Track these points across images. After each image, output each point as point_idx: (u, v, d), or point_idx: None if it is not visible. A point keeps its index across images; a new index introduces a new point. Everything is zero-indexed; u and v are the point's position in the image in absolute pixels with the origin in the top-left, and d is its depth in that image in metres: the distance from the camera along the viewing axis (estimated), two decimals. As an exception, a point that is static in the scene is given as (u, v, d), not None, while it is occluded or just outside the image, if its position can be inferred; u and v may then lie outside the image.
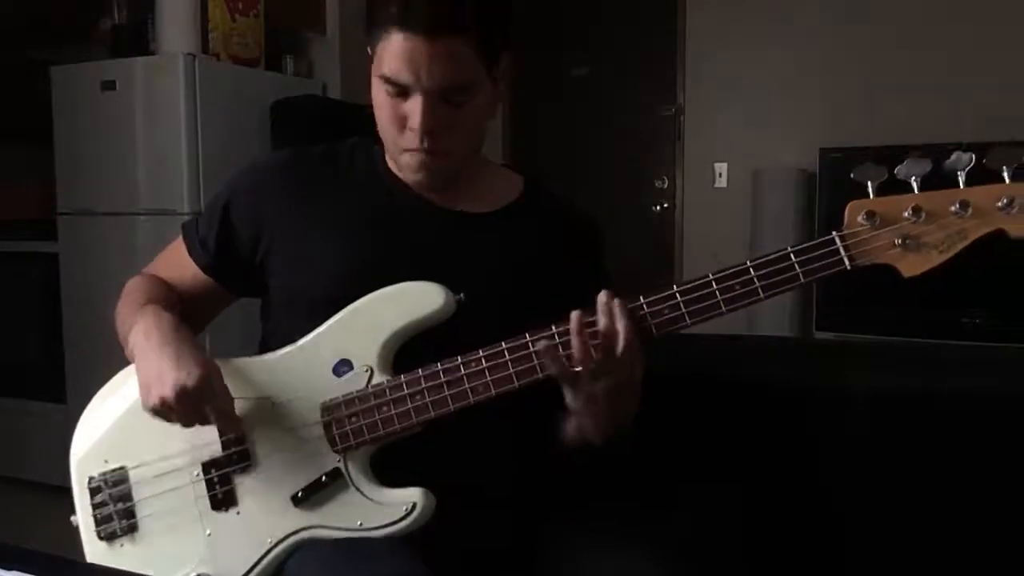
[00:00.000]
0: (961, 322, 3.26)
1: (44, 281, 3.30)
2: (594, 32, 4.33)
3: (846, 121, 3.72)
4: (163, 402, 1.00)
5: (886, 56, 3.69)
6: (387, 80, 1.04)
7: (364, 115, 1.16)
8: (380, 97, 1.07)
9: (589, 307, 0.99)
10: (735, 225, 3.89)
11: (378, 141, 1.16)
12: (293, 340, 1.10)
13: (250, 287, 1.20)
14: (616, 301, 0.98)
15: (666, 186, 4.24)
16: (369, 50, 1.10)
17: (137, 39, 3.23)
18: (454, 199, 1.15)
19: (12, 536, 1.07)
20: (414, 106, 1.04)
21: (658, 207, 4.26)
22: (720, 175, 4.09)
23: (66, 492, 1.17)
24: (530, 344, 1.00)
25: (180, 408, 1.00)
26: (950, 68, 3.57)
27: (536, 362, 1.00)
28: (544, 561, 1.10)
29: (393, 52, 1.02)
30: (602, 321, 0.98)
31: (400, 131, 1.07)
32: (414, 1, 1.00)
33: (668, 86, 4.17)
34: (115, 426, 1.14)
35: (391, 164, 1.16)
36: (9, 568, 0.81)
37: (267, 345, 1.16)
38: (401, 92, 1.05)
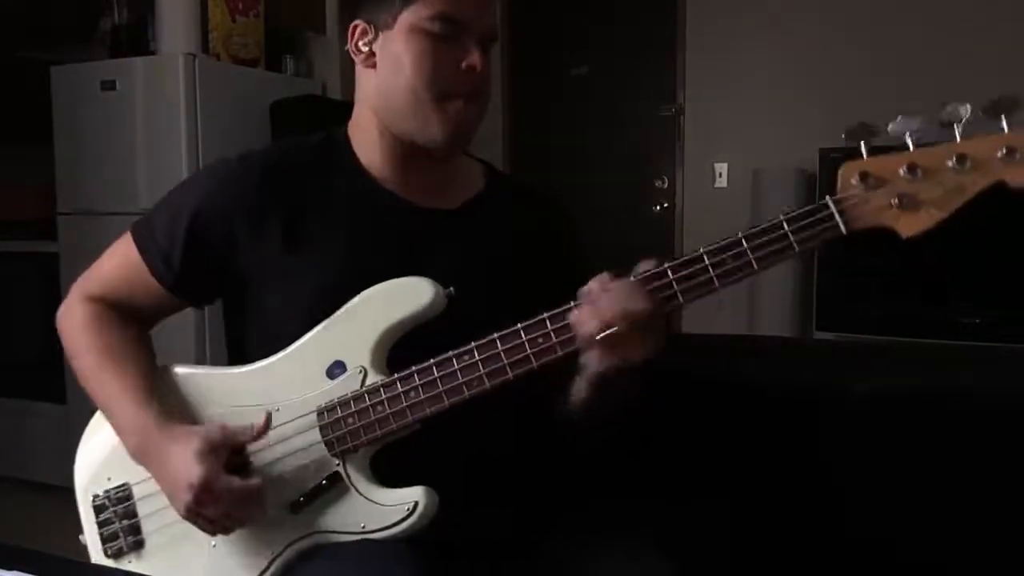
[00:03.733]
0: (961, 322, 3.26)
1: (44, 281, 3.30)
2: (594, 32, 4.32)
3: (846, 121, 3.69)
4: (188, 511, 1.01)
5: (886, 56, 3.69)
6: (444, 19, 1.05)
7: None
8: (423, 45, 1.06)
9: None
10: (735, 225, 3.76)
11: (345, 135, 1.16)
12: (275, 351, 1.09)
13: (214, 298, 1.18)
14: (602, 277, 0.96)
15: (666, 186, 4.24)
16: (364, 19, 1.09)
17: (137, 39, 3.23)
18: (424, 195, 1.14)
19: (12, 536, 1.07)
20: (467, 47, 1.06)
21: (658, 207, 4.26)
22: (720, 175, 4.09)
23: (66, 492, 1.17)
24: (522, 333, 0.98)
25: (206, 507, 1.00)
26: (950, 68, 3.57)
27: (529, 351, 0.98)
28: (545, 557, 1.10)
29: None
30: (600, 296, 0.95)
31: (447, 76, 1.07)
32: None
33: (668, 86, 4.17)
34: (116, 443, 1.12)
35: (367, 156, 1.14)
36: (9, 568, 0.81)
37: (248, 354, 1.14)
38: (451, 35, 1.06)
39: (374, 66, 1.11)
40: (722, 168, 4.08)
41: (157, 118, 3.04)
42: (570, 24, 4.38)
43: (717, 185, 4.10)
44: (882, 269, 3.30)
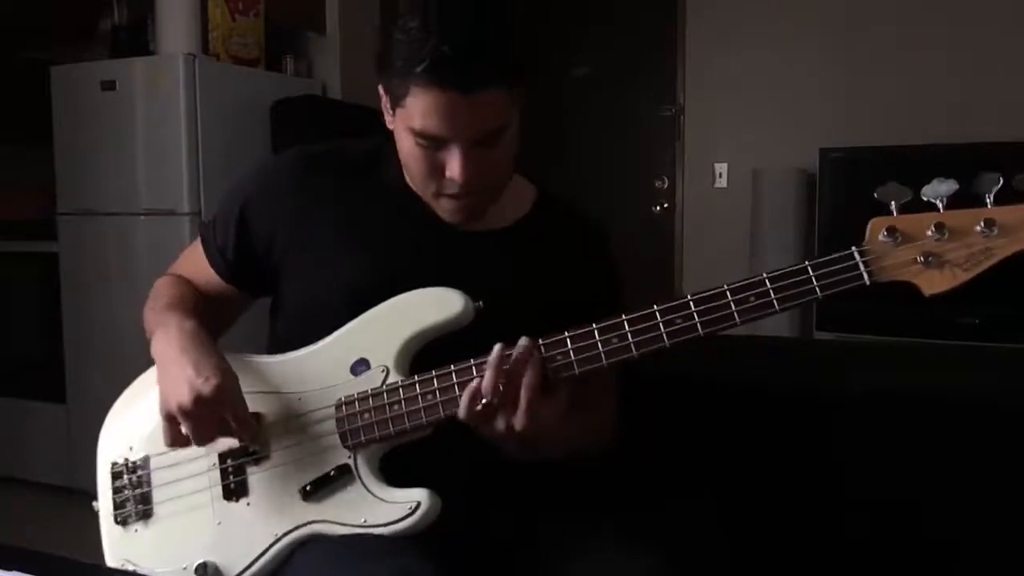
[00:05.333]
0: (961, 322, 3.26)
1: (44, 281, 3.30)
2: (594, 32, 4.32)
3: (846, 121, 3.72)
4: (180, 408, 1.01)
5: (886, 56, 3.69)
6: (421, 135, 1.03)
7: (364, 115, 1.16)
8: (410, 146, 1.06)
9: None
10: (735, 225, 3.89)
11: (393, 148, 1.16)
12: (303, 342, 1.12)
13: (268, 288, 1.22)
14: (520, 350, 0.99)
15: (666, 186, 4.24)
16: (383, 91, 1.08)
17: (137, 39, 3.23)
18: (477, 216, 1.15)
19: (12, 536, 1.07)
20: (451, 157, 1.04)
21: (658, 207, 4.26)
22: (720, 175, 4.09)
23: (66, 492, 1.18)
24: (541, 349, 1.00)
25: (197, 413, 1.01)
26: (950, 68, 3.57)
27: (547, 368, 1.00)
28: (546, 557, 1.10)
29: (426, 108, 1.00)
30: (489, 374, 0.98)
31: (437, 179, 1.07)
32: (447, 59, 0.98)
33: (668, 86, 4.17)
34: (144, 415, 1.16)
35: (412, 186, 1.16)
36: (9, 568, 0.81)
37: (277, 345, 1.17)
38: (435, 144, 1.04)
39: (393, 129, 1.12)
40: (722, 168, 4.08)
41: (157, 118, 3.04)
42: (570, 24, 4.38)
43: (717, 185, 4.10)
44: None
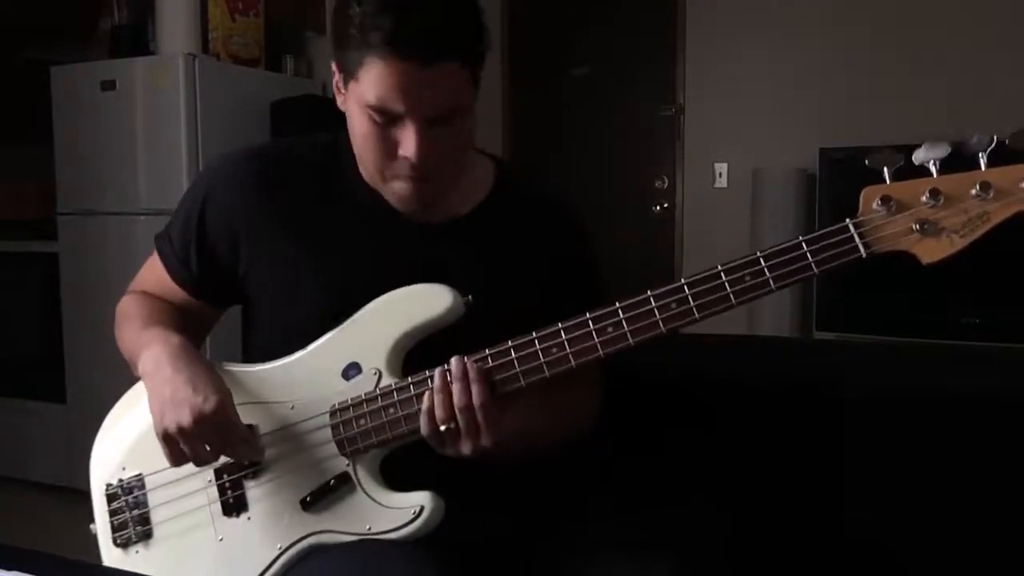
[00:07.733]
0: (961, 322, 3.26)
1: (44, 281, 3.30)
2: (594, 32, 4.32)
3: (846, 121, 3.72)
4: (179, 428, 0.99)
5: (886, 56, 3.69)
6: (376, 109, 0.99)
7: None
8: (363, 124, 1.02)
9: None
10: (735, 225, 3.89)
11: (349, 142, 1.13)
12: (279, 353, 1.10)
13: (236, 298, 1.18)
14: (456, 370, 0.98)
15: (666, 186, 4.23)
16: (336, 68, 1.04)
17: (137, 39, 3.23)
18: (429, 204, 1.12)
19: (12, 536, 1.07)
20: (406, 134, 1.00)
21: (658, 207, 4.25)
22: (720, 175, 4.09)
23: (66, 492, 1.17)
24: (536, 342, 0.98)
25: (199, 433, 0.99)
26: (950, 67, 3.57)
27: (542, 360, 0.98)
28: (545, 558, 1.10)
29: (382, 80, 0.96)
30: (444, 392, 0.98)
31: (388, 159, 1.03)
32: (405, 27, 0.94)
33: (668, 86, 4.17)
34: (135, 434, 1.14)
35: (365, 175, 1.12)
36: (9, 568, 0.81)
37: (256, 355, 1.15)
38: (390, 120, 1.00)
39: (345, 110, 1.08)
40: (722, 168, 4.08)
41: (157, 118, 3.04)
42: (570, 24, 4.38)
43: (717, 185, 4.10)
44: (882, 269, 3.31)
